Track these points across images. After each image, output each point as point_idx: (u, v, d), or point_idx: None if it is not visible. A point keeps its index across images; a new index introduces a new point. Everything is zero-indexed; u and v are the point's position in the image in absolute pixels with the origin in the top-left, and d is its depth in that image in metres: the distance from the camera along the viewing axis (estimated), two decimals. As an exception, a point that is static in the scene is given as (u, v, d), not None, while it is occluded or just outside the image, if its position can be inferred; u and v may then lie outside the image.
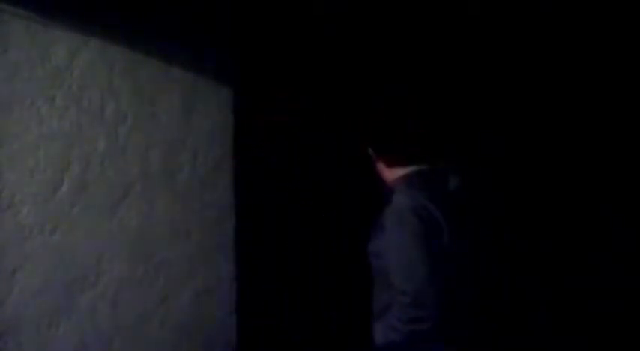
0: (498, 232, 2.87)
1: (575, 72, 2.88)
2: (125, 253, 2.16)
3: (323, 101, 2.86)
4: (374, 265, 1.84)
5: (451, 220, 1.73)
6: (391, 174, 1.88)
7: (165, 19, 2.32)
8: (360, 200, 2.81)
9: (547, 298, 2.86)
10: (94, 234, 2.06)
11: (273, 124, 2.77)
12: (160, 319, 2.27)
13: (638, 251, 2.78)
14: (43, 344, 1.91)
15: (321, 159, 2.84)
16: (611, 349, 2.74)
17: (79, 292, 2.01)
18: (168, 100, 2.32)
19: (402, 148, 1.85)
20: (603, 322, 2.76)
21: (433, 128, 1.92)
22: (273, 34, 2.75)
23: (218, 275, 2.51)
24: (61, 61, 1.97)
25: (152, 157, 2.26)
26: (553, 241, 2.87)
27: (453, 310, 1.70)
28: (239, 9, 2.60)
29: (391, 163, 1.87)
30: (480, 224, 1.91)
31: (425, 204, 1.71)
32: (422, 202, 1.71)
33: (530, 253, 2.88)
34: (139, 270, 2.20)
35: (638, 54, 2.81)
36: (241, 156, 2.60)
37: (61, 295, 1.96)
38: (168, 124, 2.32)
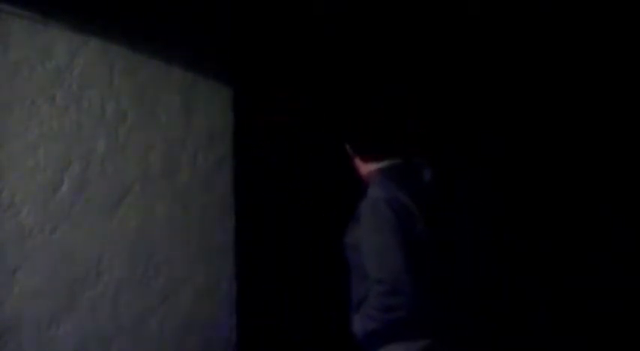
0: (498, 232, 2.87)
1: (575, 72, 2.88)
2: (125, 253, 2.16)
3: (323, 101, 2.86)
4: (350, 258, 1.89)
5: (425, 211, 1.77)
6: (367, 169, 1.95)
7: (166, 19, 2.32)
8: (359, 200, 2.80)
9: (547, 298, 2.85)
10: (94, 234, 2.06)
11: (273, 124, 2.77)
12: (160, 319, 2.27)
13: (638, 251, 2.78)
14: (43, 344, 1.91)
15: (321, 159, 2.83)
16: (611, 349, 2.74)
17: (79, 292, 2.01)
18: (168, 100, 2.32)
19: (376, 144, 1.93)
20: (603, 322, 2.76)
21: (409, 123, 1.99)
22: (273, 34, 2.75)
23: (218, 275, 2.51)
24: (61, 61, 1.97)
25: (152, 157, 2.26)
26: (553, 241, 2.87)
27: (431, 299, 1.72)
28: (239, 9, 2.60)
29: (366, 159, 1.95)
30: (458, 215, 1.97)
31: (398, 195, 1.77)
32: (395, 194, 1.77)
33: (530, 253, 2.87)
34: (138, 270, 2.20)
35: (638, 54, 2.80)
36: (241, 156, 2.60)
37: (61, 295, 1.96)
38: (168, 124, 2.32)
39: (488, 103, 2.95)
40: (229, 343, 2.54)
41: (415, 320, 1.70)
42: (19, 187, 1.86)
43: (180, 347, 2.34)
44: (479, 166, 2.92)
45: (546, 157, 2.92)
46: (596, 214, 2.84)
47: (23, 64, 1.87)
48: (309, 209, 2.83)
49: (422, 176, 1.89)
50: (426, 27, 2.90)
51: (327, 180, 2.86)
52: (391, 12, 2.87)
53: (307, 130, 2.82)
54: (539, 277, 2.87)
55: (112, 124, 2.12)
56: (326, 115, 2.87)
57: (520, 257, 2.87)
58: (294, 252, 2.80)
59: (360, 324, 1.78)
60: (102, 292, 2.08)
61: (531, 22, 2.86)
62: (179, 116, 2.36)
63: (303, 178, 2.83)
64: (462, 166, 2.91)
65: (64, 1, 1.98)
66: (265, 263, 2.71)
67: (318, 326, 2.81)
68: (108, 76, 2.11)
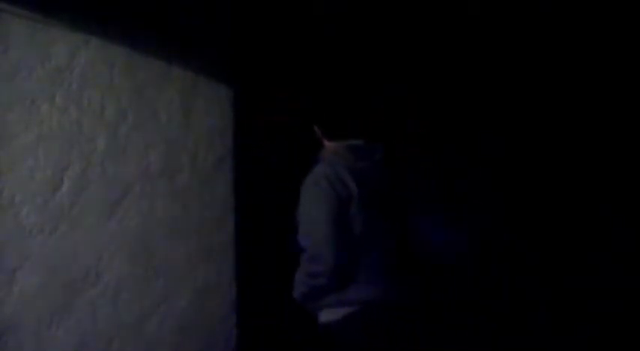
0: (498, 232, 2.87)
1: (575, 72, 2.88)
2: (125, 253, 2.16)
3: (323, 101, 2.86)
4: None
5: (364, 190, 1.86)
6: (326, 147, 2.03)
7: (166, 19, 2.32)
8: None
9: (547, 298, 2.85)
10: (94, 234, 2.06)
11: (273, 124, 2.77)
12: (160, 318, 2.27)
13: (638, 251, 2.78)
14: (43, 344, 1.91)
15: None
16: (611, 349, 2.74)
17: (79, 292, 2.01)
18: (168, 100, 2.32)
19: (338, 123, 2.03)
20: (603, 322, 2.76)
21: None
22: (273, 34, 2.75)
23: (218, 275, 2.51)
24: (61, 61, 1.97)
25: (152, 157, 2.26)
26: (553, 241, 2.87)
27: (352, 272, 1.84)
28: (239, 9, 2.60)
29: (329, 137, 2.03)
30: (399, 198, 2.04)
31: (340, 172, 1.86)
32: (337, 170, 1.86)
33: (530, 253, 2.88)
34: (138, 270, 2.20)
35: (638, 54, 2.80)
36: (241, 156, 2.61)
37: (61, 295, 1.96)
38: (168, 124, 2.32)
39: (488, 103, 2.95)
40: (229, 343, 2.54)
41: (333, 288, 1.82)
42: (19, 187, 1.86)
43: (180, 347, 2.34)
44: (479, 166, 2.93)
45: (546, 157, 2.92)
46: (596, 214, 2.84)
47: (23, 64, 1.87)
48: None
49: (373, 158, 1.97)
50: (426, 27, 2.90)
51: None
52: (391, 12, 2.88)
53: (307, 130, 2.82)
54: (539, 277, 2.87)
55: (112, 123, 2.12)
56: (326, 115, 2.86)
57: (520, 257, 2.88)
58: (294, 252, 2.79)
59: (295, 287, 1.94)
60: (102, 292, 2.08)
61: (531, 22, 2.86)
62: (179, 116, 2.36)
63: (303, 178, 2.83)
64: (461, 166, 2.91)
65: (64, 1, 1.98)
66: (265, 263, 2.71)
67: (318, 326, 2.81)
68: (108, 75, 2.11)
